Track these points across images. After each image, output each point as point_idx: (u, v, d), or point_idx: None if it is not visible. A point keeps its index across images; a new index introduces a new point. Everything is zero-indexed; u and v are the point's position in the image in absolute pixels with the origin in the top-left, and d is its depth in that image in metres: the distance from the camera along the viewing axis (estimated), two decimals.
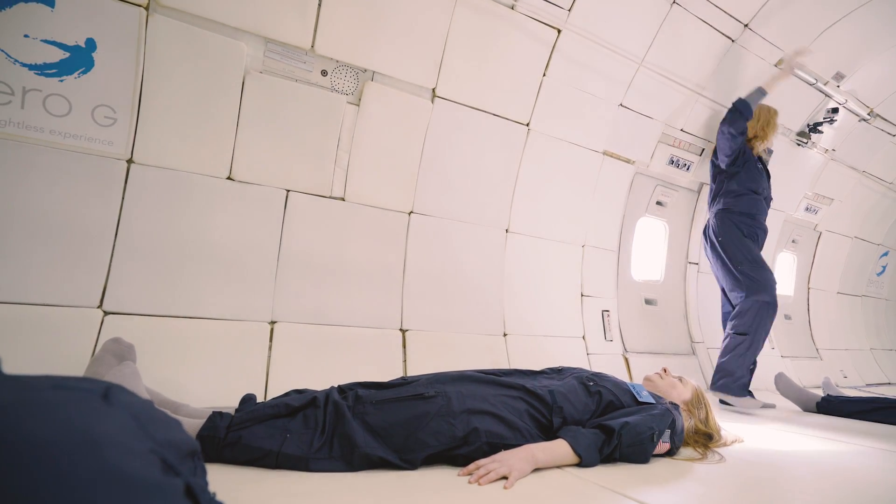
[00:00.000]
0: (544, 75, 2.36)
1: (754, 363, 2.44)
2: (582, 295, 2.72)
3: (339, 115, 1.95)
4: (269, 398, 1.32)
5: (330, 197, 1.99)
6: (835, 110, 3.36)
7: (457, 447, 1.15)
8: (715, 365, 2.51)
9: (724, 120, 2.66)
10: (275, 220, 1.87)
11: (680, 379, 1.65)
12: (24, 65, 1.42)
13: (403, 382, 1.32)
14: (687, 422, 1.53)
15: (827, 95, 3.26)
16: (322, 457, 1.06)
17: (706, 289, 3.34)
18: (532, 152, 2.46)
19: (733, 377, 2.35)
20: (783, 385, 2.62)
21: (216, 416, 1.09)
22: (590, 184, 2.73)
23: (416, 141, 2.15)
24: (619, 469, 1.23)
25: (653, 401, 1.44)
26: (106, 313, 1.50)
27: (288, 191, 1.90)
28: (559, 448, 1.20)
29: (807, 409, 2.51)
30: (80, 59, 1.49)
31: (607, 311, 2.78)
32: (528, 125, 2.41)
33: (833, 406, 2.42)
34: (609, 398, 1.39)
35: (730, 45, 2.75)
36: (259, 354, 1.71)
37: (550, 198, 2.60)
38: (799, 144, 3.49)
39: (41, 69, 1.44)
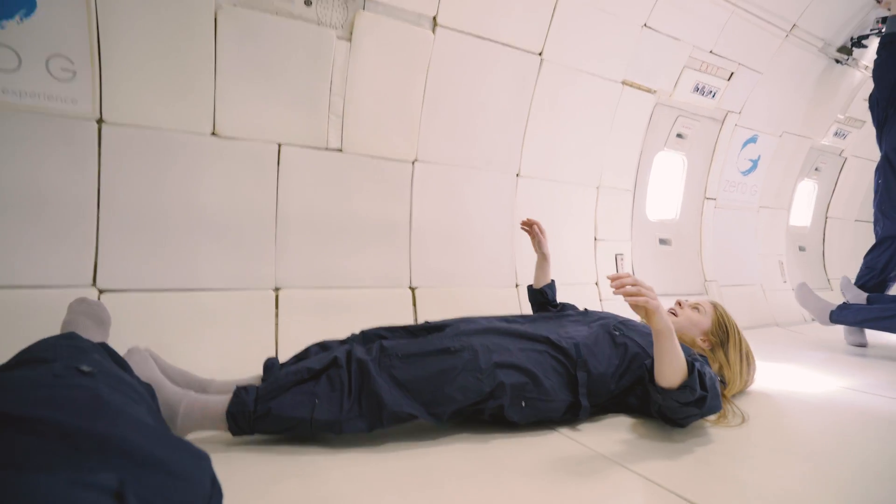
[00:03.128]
0: None
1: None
2: (595, 239, 2.61)
3: (328, 53, 1.72)
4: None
5: (326, 149, 1.82)
6: (884, 19, 2.99)
7: (483, 401, 1.15)
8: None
9: (882, 48, 2.53)
10: (269, 178, 1.72)
11: (696, 308, 1.54)
12: None
13: (427, 328, 1.31)
14: (713, 364, 1.45)
15: (878, 1, 2.87)
16: (353, 416, 1.06)
17: (722, 225, 3.22)
18: (545, 86, 2.22)
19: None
20: (802, 295, 2.62)
21: (241, 392, 1.06)
22: (607, 119, 2.51)
23: (417, 79, 1.93)
24: (622, 440, 1.18)
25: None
26: (101, 291, 1.42)
27: (280, 144, 1.72)
28: (679, 348, 1.10)
29: (822, 321, 2.53)
30: None
31: (621, 254, 2.69)
32: (540, 55, 2.15)
33: (848, 314, 2.41)
34: (635, 350, 1.31)
35: None
36: (266, 323, 1.66)
37: (564, 136, 2.39)
38: (838, 62, 3.16)
39: None
